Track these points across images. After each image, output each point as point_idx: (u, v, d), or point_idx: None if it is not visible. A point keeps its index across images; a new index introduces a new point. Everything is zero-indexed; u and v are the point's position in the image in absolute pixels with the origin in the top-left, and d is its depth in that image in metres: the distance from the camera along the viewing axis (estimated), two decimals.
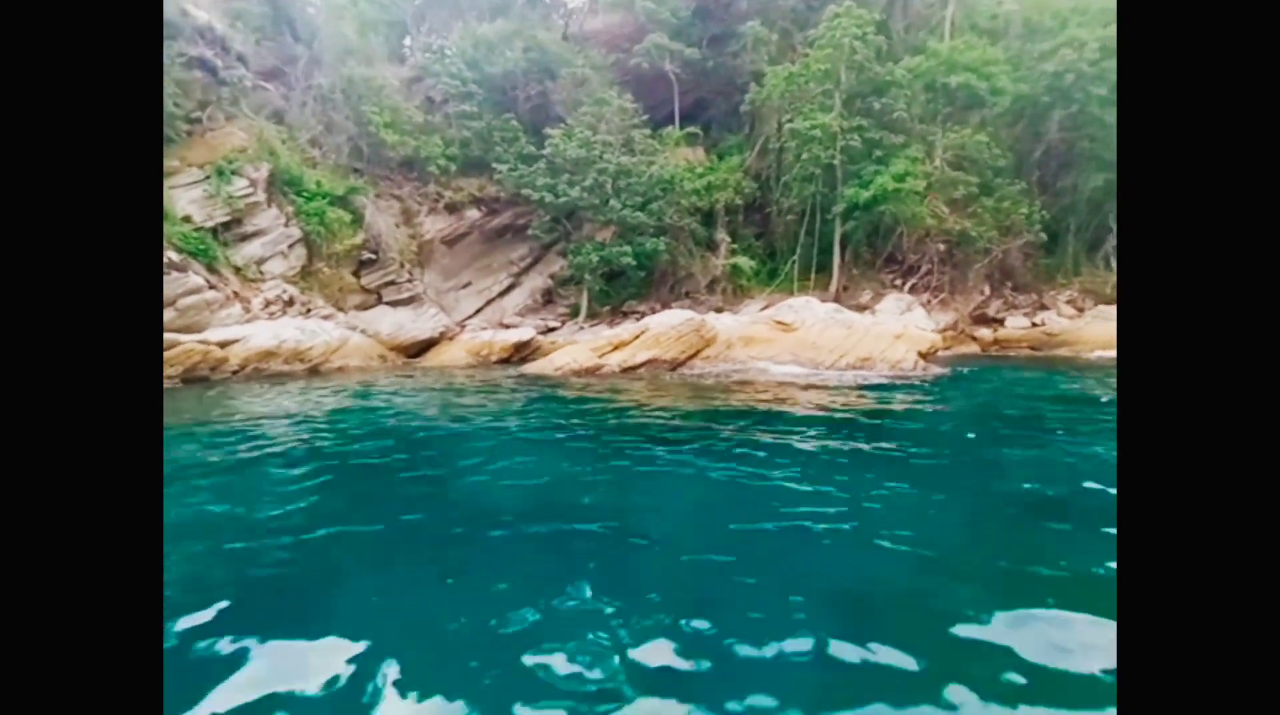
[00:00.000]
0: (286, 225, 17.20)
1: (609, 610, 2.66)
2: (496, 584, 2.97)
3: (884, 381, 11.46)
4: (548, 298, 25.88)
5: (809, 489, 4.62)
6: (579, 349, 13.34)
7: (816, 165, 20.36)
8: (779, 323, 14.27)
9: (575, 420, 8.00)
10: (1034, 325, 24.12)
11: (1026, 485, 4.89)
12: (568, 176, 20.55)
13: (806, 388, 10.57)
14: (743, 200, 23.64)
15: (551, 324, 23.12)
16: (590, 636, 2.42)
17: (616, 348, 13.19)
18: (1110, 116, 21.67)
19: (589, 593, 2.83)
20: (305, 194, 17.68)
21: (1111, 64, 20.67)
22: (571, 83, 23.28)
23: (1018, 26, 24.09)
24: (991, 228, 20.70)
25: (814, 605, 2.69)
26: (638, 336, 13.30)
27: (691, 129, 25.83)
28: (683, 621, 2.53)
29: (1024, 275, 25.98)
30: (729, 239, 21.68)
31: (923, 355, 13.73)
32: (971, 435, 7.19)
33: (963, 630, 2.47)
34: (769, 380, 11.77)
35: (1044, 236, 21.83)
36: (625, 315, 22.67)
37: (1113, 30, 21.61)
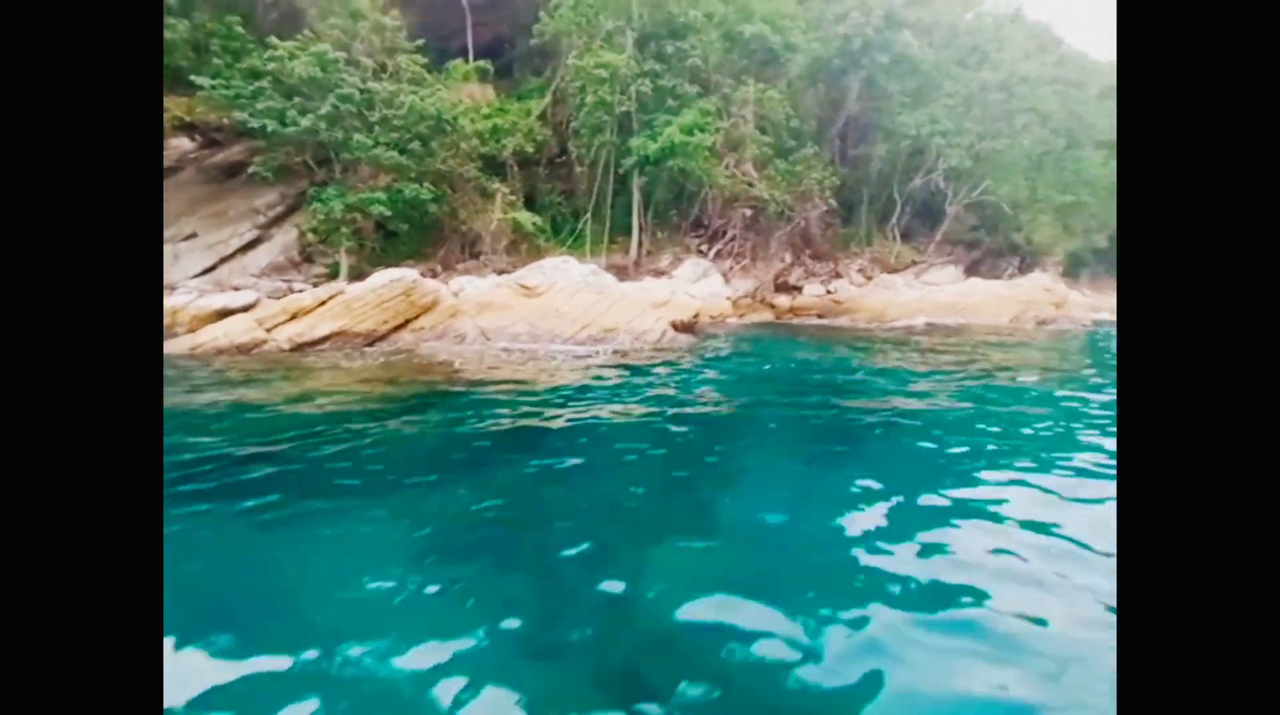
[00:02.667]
0: None
1: None
2: None
3: (596, 365, 9.74)
4: (307, 256, 21.53)
5: None
6: (239, 321, 10.10)
7: (607, 112, 18.26)
8: (523, 287, 12.07)
9: None
10: (828, 293, 24.67)
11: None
12: (299, 101, 16.43)
13: (484, 372, 8.47)
14: (535, 148, 20.97)
15: (299, 287, 19.04)
16: None
17: (293, 317, 10.13)
18: (893, 85, 22.04)
19: None
20: None
21: (894, 33, 20.78)
22: None
23: None
24: (785, 192, 20.13)
25: None
26: (324, 302, 10.34)
27: (482, 64, 22.45)
28: None
29: (823, 244, 26.48)
30: (506, 191, 18.91)
31: (679, 326, 12.33)
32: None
33: None
34: (470, 356, 9.54)
35: (834, 203, 21.77)
36: None
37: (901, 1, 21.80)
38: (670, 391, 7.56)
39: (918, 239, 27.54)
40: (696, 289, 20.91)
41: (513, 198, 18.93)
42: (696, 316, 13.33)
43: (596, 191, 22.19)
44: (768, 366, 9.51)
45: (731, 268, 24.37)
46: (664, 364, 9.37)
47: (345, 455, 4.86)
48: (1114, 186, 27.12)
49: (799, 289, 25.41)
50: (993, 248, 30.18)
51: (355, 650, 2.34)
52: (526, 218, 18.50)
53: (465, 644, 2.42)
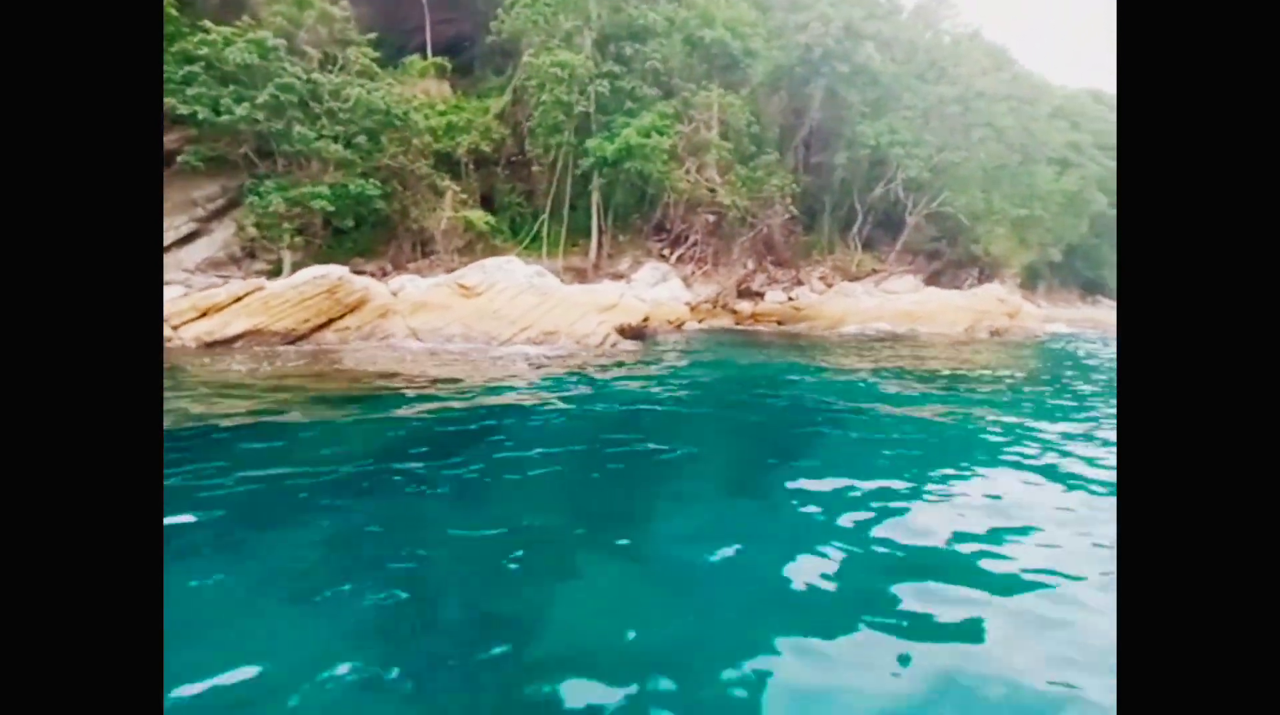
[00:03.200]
0: None
1: None
2: None
3: (530, 368, 9.26)
4: (250, 252, 20.53)
5: None
6: None
7: (564, 112, 17.82)
8: (462, 287, 11.51)
9: None
10: (790, 299, 24.60)
11: None
12: (235, 89, 15.62)
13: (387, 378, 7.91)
14: (492, 147, 20.42)
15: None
16: None
17: (204, 315, 9.40)
18: (853, 95, 22.15)
19: None
20: None
21: (854, 44, 20.88)
22: None
23: None
24: (746, 198, 19.96)
25: None
26: (239, 298, 9.63)
27: (439, 60, 21.85)
28: None
29: (785, 251, 26.44)
30: (457, 189, 18.31)
31: (626, 331, 11.90)
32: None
33: None
34: (388, 360, 8.96)
35: (794, 211, 21.71)
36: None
37: (860, 12, 21.95)
38: (597, 397, 7.12)
39: (879, 248, 27.74)
40: (655, 293, 20.58)
41: (464, 196, 18.33)
42: (646, 321, 12.93)
43: (555, 193, 21.72)
44: (708, 376, 9.14)
45: (693, 273, 24.10)
46: (602, 367, 8.93)
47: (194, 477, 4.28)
48: (1065, 201, 27.92)
49: (761, 295, 25.30)
50: (953, 259, 30.62)
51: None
52: (479, 217, 17.92)
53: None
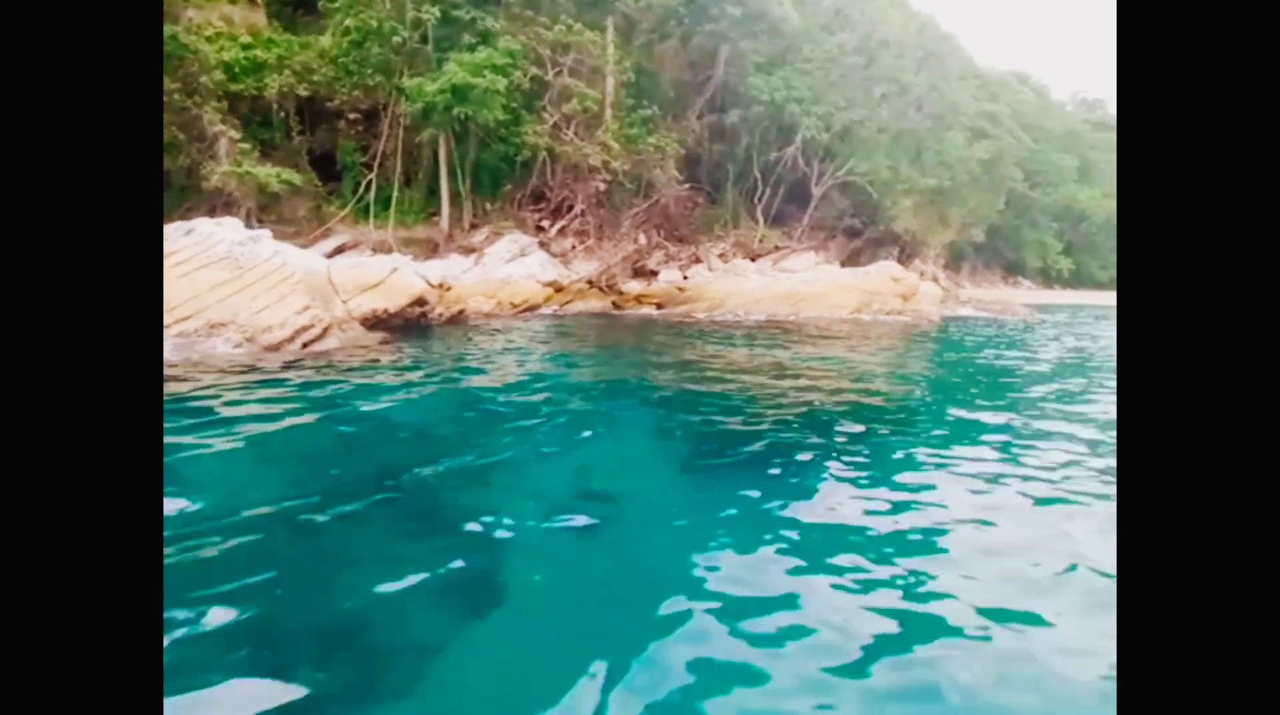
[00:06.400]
0: None
1: None
2: None
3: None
4: None
5: None
6: None
7: (380, 43, 14.46)
8: None
9: None
10: (685, 278, 22.14)
11: None
12: None
13: None
14: (311, 91, 16.82)
15: None
16: None
17: None
18: (747, 45, 19.46)
19: None
20: None
21: None
22: None
23: None
24: (615, 157, 17.13)
25: None
26: None
27: None
28: None
29: (685, 225, 23.90)
30: (235, 136, 14.73)
31: (378, 318, 8.98)
32: None
33: None
34: None
35: (678, 176, 19.03)
36: None
37: None
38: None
39: (790, 223, 25.50)
40: (509, 270, 17.67)
41: (246, 145, 14.74)
42: (419, 302, 10.01)
43: (400, 151, 18.40)
44: (432, 389, 6.36)
45: (574, 247, 21.24)
46: (266, 384, 6.08)
47: None
48: (980, 172, 26.26)
49: (656, 274, 22.74)
50: (874, 237, 28.71)
51: None
52: (271, 174, 14.43)
53: None
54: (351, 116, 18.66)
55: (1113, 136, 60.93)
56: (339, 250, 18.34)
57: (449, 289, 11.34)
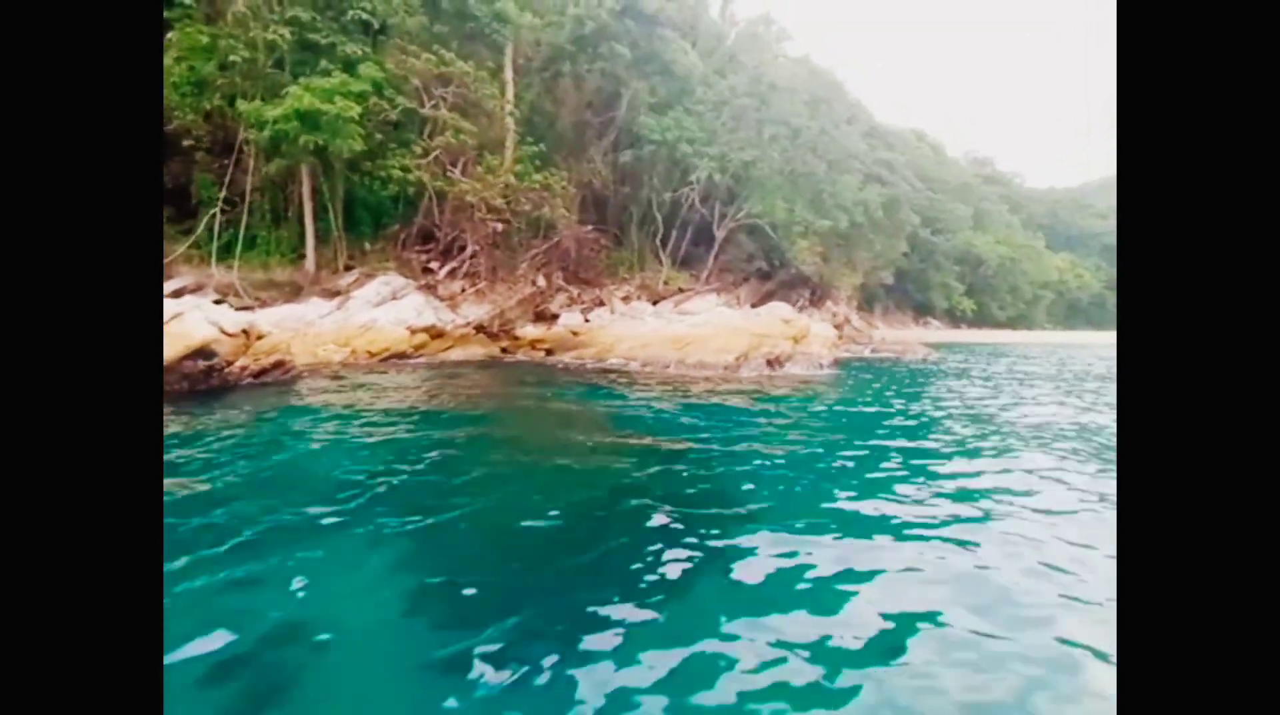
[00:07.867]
0: None
1: None
2: None
3: None
4: None
5: None
6: None
7: (225, 65, 12.94)
8: None
9: None
10: (586, 322, 21.06)
11: None
12: None
13: None
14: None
15: None
16: None
17: None
18: (639, 84, 19.15)
19: None
20: None
21: (638, 25, 17.88)
22: None
23: None
24: (496, 195, 16.05)
25: None
26: None
27: None
28: None
29: (589, 267, 23.01)
30: None
31: None
32: None
33: None
34: None
35: (568, 215, 18.14)
36: None
37: None
38: None
39: (697, 266, 25.10)
40: (374, 314, 16.00)
41: None
42: (202, 355, 8.25)
43: (267, 185, 16.68)
44: None
45: (464, 291, 19.79)
46: None
47: None
48: (880, 216, 26.96)
49: (557, 318, 21.54)
50: (785, 279, 28.80)
51: None
52: None
53: None
54: (206, 148, 16.85)
55: (1001, 189, 65.74)
56: (177, 294, 16.17)
57: (260, 337, 9.61)
